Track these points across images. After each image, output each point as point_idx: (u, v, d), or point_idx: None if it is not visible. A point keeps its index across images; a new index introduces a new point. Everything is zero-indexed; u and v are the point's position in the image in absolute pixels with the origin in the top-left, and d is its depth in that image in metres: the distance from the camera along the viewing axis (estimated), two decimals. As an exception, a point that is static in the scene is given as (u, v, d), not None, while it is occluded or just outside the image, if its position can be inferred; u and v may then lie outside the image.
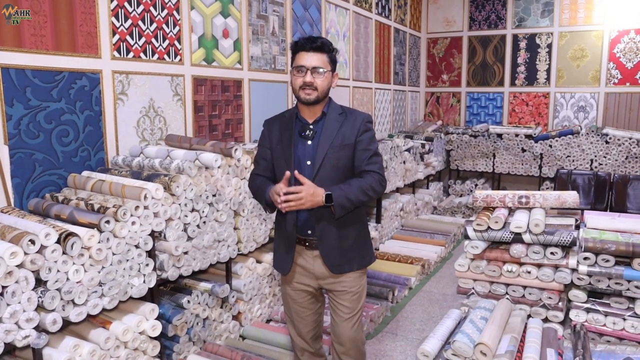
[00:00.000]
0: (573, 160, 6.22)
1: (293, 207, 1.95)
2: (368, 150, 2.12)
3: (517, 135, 6.48)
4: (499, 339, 1.99)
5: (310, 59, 2.04)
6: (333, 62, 2.11)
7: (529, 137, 6.44)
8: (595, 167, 6.06)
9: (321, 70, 2.04)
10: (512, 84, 7.28)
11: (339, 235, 2.11)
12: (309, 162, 2.09)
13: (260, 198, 2.16)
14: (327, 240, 2.10)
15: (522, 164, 6.60)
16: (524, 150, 6.51)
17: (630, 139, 5.86)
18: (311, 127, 2.11)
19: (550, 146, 6.30)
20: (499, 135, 6.62)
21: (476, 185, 6.93)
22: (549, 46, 6.98)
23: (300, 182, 1.97)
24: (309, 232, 2.12)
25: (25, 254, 1.90)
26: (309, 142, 2.10)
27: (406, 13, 7.18)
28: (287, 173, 1.98)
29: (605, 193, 5.08)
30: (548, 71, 7.03)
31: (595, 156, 6.08)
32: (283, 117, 2.21)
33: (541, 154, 6.40)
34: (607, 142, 6.00)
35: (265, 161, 2.20)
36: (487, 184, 7.00)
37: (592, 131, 6.13)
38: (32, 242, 1.92)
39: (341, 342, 2.22)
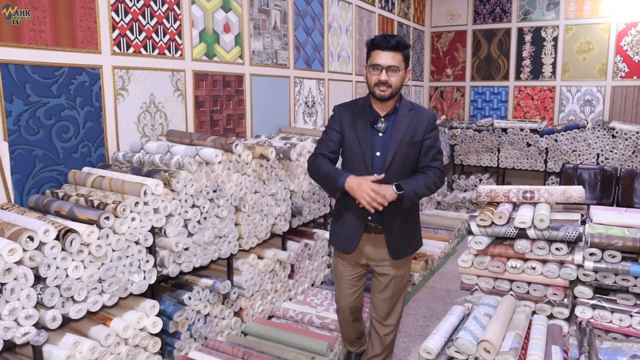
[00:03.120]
0: (579, 155, 6.16)
1: (375, 207, 2.14)
2: (434, 148, 2.32)
3: (522, 129, 6.42)
4: (503, 336, 1.97)
5: (386, 57, 2.17)
6: (406, 59, 2.24)
7: (534, 131, 6.38)
8: (602, 162, 6.00)
9: (395, 68, 2.18)
10: (517, 77, 7.21)
11: (401, 224, 2.32)
12: (378, 153, 2.27)
13: (328, 182, 2.27)
14: (392, 228, 2.30)
15: (527, 159, 6.54)
16: (529, 145, 6.46)
17: (637, 132, 5.79)
18: (383, 119, 2.28)
19: (556, 140, 6.25)
20: (504, 130, 6.57)
21: (480, 180, 6.88)
22: (555, 39, 6.91)
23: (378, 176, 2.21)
24: (378, 219, 2.29)
25: (24, 250, 1.89)
26: (380, 134, 2.28)
27: (410, 7, 7.12)
28: (378, 176, 2.19)
29: (612, 188, 5.03)
30: (554, 65, 6.96)
31: (602, 150, 6.02)
32: (355, 106, 2.35)
33: (546, 149, 6.35)
34: (613, 137, 5.93)
35: (334, 143, 2.35)
36: (491, 179, 6.95)
37: (599, 125, 6.06)
38: (31, 238, 1.90)
39: (376, 310, 2.51)
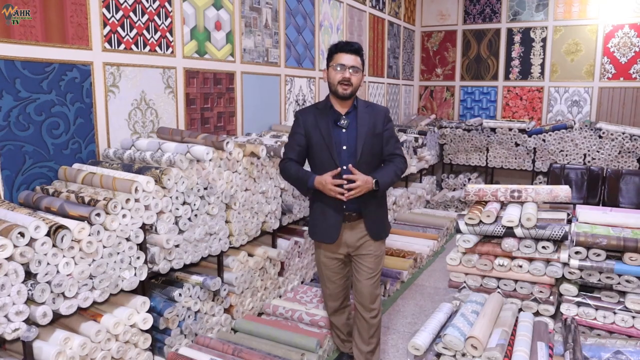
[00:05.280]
0: (566, 155, 6.24)
1: (353, 196, 2.39)
2: (393, 137, 2.60)
3: (510, 129, 6.49)
4: (490, 333, 2.00)
5: (349, 59, 2.45)
6: (363, 63, 2.53)
7: (522, 131, 6.45)
8: (589, 162, 6.09)
9: (357, 69, 2.46)
10: (506, 78, 7.28)
11: (376, 210, 2.59)
12: (344, 147, 2.49)
13: (299, 184, 2.53)
14: (370, 213, 2.55)
15: (516, 158, 6.61)
16: (517, 145, 6.52)
17: (623, 133, 5.88)
18: (344, 117, 2.52)
19: (544, 140, 6.32)
20: (493, 130, 6.63)
21: (469, 179, 6.93)
22: (544, 40, 6.98)
23: (347, 172, 2.42)
24: (352, 207, 2.51)
25: (15, 246, 1.88)
26: (344, 130, 2.51)
27: (400, 6, 7.15)
28: (338, 169, 2.40)
29: (598, 187, 5.09)
30: (542, 65, 7.03)
31: (589, 151, 6.10)
32: (316, 109, 2.57)
33: (534, 149, 6.42)
34: (600, 137, 6.02)
35: (300, 147, 2.55)
36: (480, 178, 7.01)
37: (586, 126, 6.14)
38: (22, 234, 1.90)
39: (362, 297, 2.63)
